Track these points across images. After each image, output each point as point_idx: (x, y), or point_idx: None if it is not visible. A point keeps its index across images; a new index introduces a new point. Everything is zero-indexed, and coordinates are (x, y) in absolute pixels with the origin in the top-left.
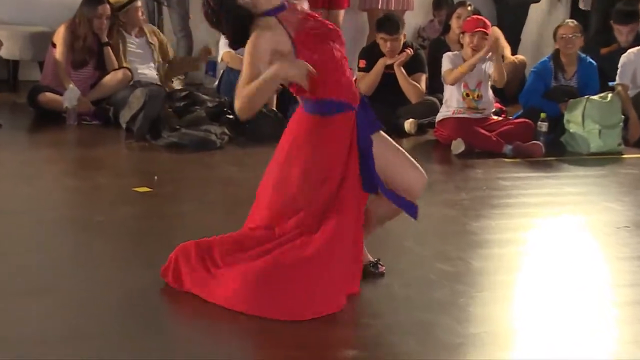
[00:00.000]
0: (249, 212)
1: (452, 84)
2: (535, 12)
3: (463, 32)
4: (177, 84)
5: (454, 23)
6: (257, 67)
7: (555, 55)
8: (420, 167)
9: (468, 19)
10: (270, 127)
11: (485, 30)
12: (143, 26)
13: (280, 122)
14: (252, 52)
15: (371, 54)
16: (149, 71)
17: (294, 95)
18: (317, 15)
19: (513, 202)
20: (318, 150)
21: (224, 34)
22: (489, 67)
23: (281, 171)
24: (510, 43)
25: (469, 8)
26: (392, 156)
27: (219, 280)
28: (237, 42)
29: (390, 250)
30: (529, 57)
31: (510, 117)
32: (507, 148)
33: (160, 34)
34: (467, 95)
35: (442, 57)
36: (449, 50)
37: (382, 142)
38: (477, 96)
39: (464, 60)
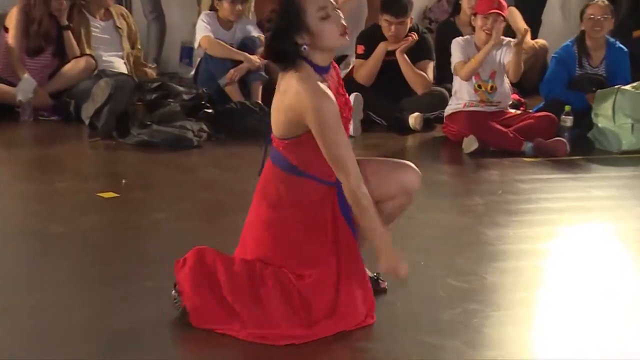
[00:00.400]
0: (231, 220)
1: (467, 80)
2: None
3: (475, 14)
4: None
5: (465, 3)
6: (342, 130)
7: (580, 38)
8: (411, 163)
9: None
10: (255, 122)
11: (500, 12)
12: (110, 7)
13: (266, 117)
14: (330, 116)
15: (372, 38)
16: (115, 59)
17: (274, 145)
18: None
19: (533, 207)
20: (299, 209)
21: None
22: (505, 56)
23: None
24: (529, 25)
25: None
26: (378, 164)
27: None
28: (277, 61)
29: None
30: (551, 42)
31: (530, 111)
32: (527, 146)
33: (130, 16)
34: (480, 87)
35: (451, 42)
36: (459, 34)
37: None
38: (491, 88)
39: (476, 47)
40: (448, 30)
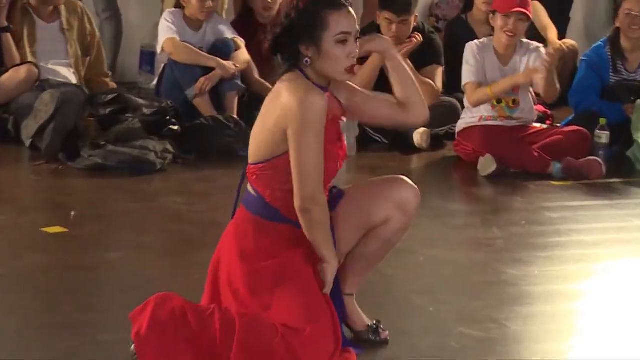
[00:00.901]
0: (202, 257)
1: (475, 106)
2: None
3: (494, 11)
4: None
5: None
6: (321, 135)
7: (614, 38)
8: (405, 178)
9: None
10: (229, 140)
11: (524, 10)
12: (60, 5)
13: (243, 134)
14: (312, 112)
15: None
16: (62, 68)
17: (248, 179)
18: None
19: (563, 241)
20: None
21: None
22: (533, 65)
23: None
24: (555, 22)
25: None
26: (366, 185)
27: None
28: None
29: (396, 308)
30: (582, 42)
31: (558, 125)
32: (555, 167)
33: (87, 13)
34: (499, 101)
35: (462, 43)
36: (472, 34)
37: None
38: (513, 102)
39: (495, 52)
40: (459, 30)
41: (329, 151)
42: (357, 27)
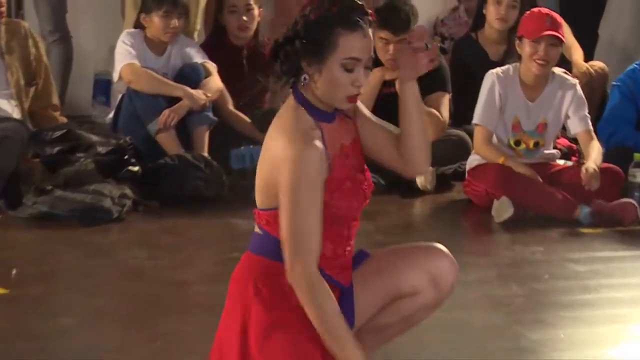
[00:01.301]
0: (170, 323)
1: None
2: None
3: (520, 37)
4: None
5: (492, 11)
6: (317, 196)
7: None
8: (443, 247)
9: (527, 13)
10: (199, 183)
11: (555, 34)
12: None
13: (215, 176)
14: (306, 172)
15: None
16: (0, 99)
17: (256, 221)
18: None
19: (593, 298)
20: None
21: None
22: (571, 108)
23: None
24: (581, 40)
25: None
26: (395, 250)
27: None
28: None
29: None
30: (613, 63)
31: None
32: (583, 211)
33: (32, 35)
34: (518, 143)
35: (472, 66)
36: (483, 55)
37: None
38: (535, 145)
39: (522, 83)
40: (468, 51)
41: (347, 189)
42: (372, 53)
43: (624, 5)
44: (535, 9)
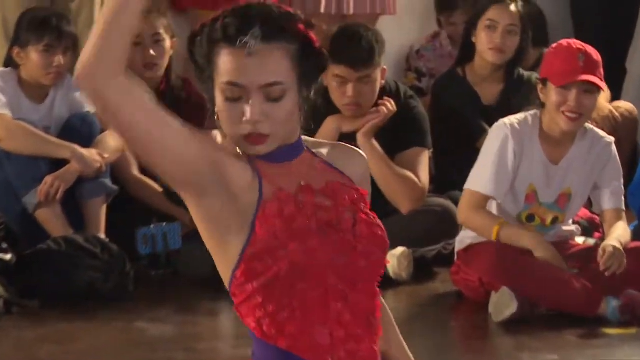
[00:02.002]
0: None
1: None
2: None
3: (544, 80)
4: None
5: (484, 39)
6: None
7: None
8: None
9: (553, 48)
10: (93, 276)
11: (592, 80)
12: None
13: (116, 266)
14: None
15: (312, 108)
16: None
17: (251, 329)
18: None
19: None
20: None
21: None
22: (605, 181)
23: None
24: (606, 75)
25: (512, 7)
26: None
27: None
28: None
29: None
30: None
31: None
32: (610, 305)
33: None
34: (531, 218)
35: (458, 110)
36: (472, 96)
37: None
38: (553, 221)
39: (542, 139)
40: (452, 91)
41: (333, 241)
42: (273, 78)
43: None
44: (564, 42)
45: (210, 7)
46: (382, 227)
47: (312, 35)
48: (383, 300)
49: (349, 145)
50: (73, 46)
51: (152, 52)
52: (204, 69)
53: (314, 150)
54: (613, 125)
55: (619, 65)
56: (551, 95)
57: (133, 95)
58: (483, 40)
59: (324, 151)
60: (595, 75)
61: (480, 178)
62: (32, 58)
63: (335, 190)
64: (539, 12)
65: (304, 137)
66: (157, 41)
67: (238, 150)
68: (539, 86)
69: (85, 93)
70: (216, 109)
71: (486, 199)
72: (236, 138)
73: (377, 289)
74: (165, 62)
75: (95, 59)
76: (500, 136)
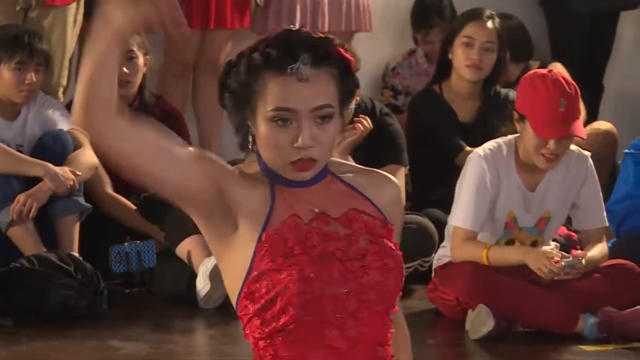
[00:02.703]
0: None
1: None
2: (631, 28)
3: (522, 117)
4: None
5: (461, 56)
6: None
7: None
8: None
9: (531, 84)
10: (67, 294)
11: (574, 133)
12: None
13: (90, 285)
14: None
15: None
16: None
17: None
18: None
19: None
20: None
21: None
22: (584, 200)
23: None
24: (582, 94)
25: (489, 24)
26: None
27: None
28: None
29: None
30: (622, 123)
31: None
32: (587, 322)
33: None
34: (510, 242)
35: (434, 128)
36: (449, 114)
37: None
38: (533, 244)
39: (518, 166)
40: (429, 109)
41: (334, 271)
42: (324, 101)
43: (636, 50)
44: (541, 78)
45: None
46: (399, 259)
47: (351, 57)
48: (403, 320)
49: (384, 173)
50: (45, 63)
51: (125, 69)
52: (241, 98)
53: (339, 174)
54: (594, 145)
55: (596, 82)
56: (529, 136)
57: (134, 137)
58: (460, 57)
59: (351, 175)
60: (575, 119)
61: (463, 213)
62: (4, 75)
63: (353, 218)
64: (520, 26)
65: (337, 161)
66: (130, 58)
67: (254, 172)
68: (515, 116)
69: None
70: (258, 136)
71: (473, 232)
72: (281, 164)
73: (389, 320)
74: (138, 80)
75: (86, 109)
76: (476, 170)
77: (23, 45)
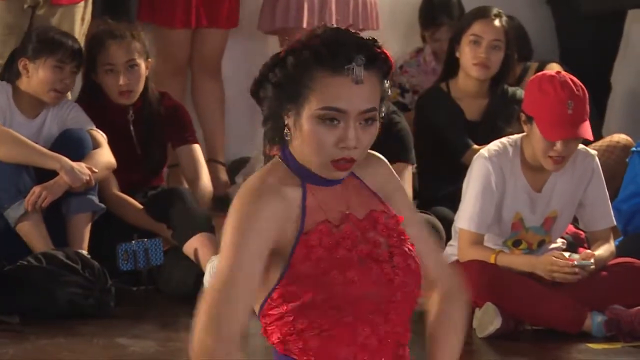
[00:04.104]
0: None
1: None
2: (638, 29)
3: (530, 118)
4: None
5: (468, 54)
6: (252, 248)
7: None
8: None
9: (539, 85)
10: (75, 292)
11: (582, 134)
12: None
13: (98, 283)
14: (245, 220)
15: None
16: None
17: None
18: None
19: None
20: None
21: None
22: (591, 200)
23: None
24: (589, 93)
25: (497, 22)
26: None
27: None
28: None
29: None
30: (631, 121)
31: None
32: (595, 320)
33: None
34: (517, 243)
35: (442, 126)
36: (457, 112)
37: None
38: (540, 244)
39: (524, 167)
40: (437, 107)
41: (373, 273)
42: (372, 104)
43: None
44: (549, 79)
45: (168, 25)
46: (417, 259)
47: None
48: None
49: (373, 153)
50: (79, 68)
51: (126, 79)
52: (286, 92)
53: (356, 172)
54: (610, 160)
55: (603, 81)
56: (537, 138)
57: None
58: (467, 55)
59: (362, 172)
60: (583, 121)
61: (469, 216)
62: (40, 72)
63: (375, 220)
64: (519, 26)
65: None
66: (132, 66)
67: (281, 173)
68: (523, 117)
69: None
70: (298, 131)
71: (479, 235)
72: (320, 162)
73: (409, 321)
74: (140, 87)
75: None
76: (481, 172)
77: (66, 45)
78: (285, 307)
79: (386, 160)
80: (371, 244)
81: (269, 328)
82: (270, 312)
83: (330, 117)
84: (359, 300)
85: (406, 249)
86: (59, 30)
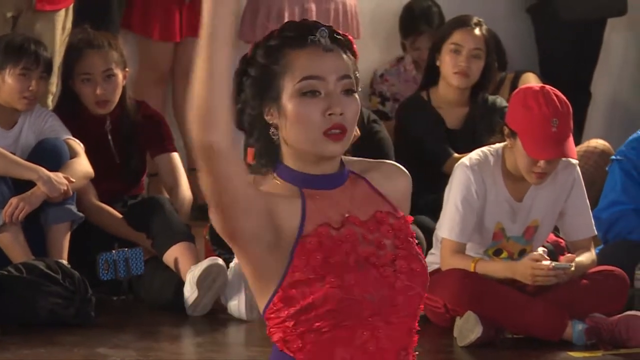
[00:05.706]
0: None
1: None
2: (618, 37)
3: (512, 133)
4: None
5: (449, 63)
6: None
7: None
8: None
9: (523, 101)
10: (55, 303)
11: (567, 155)
12: None
13: (78, 293)
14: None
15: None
16: None
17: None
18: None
19: None
20: None
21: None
22: (572, 210)
23: None
24: (569, 101)
25: (477, 31)
26: None
27: None
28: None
29: None
30: (611, 129)
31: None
32: (576, 328)
33: None
34: (498, 252)
35: (423, 135)
36: (437, 122)
37: None
38: (521, 253)
39: (505, 176)
40: (417, 116)
41: (371, 277)
42: (348, 71)
43: (626, 56)
44: (533, 95)
45: (147, 34)
46: (423, 261)
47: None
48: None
49: (394, 164)
50: (48, 72)
51: (103, 89)
52: (262, 83)
53: (360, 173)
54: (587, 166)
55: (583, 89)
56: (520, 153)
57: (236, 167)
58: (447, 64)
59: (367, 171)
60: (567, 137)
61: (450, 225)
62: (7, 82)
63: (380, 221)
64: (493, 36)
65: (347, 158)
66: (109, 76)
67: (283, 188)
68: (506, 131)
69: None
70: (284, 119)
71: (459, 246)
72: (313, 138)
73: (415, 325)
74: (117, 97)
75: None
76: (461, 180)
77: (29, 52)
78: (286, 312)
79: (408, 174)
80: (374, 246)
81: (272, 329)
82: (272, 316)
83: (310, 89)
84: (358, 303)
85: (413, 253)
86: (26, 37)
